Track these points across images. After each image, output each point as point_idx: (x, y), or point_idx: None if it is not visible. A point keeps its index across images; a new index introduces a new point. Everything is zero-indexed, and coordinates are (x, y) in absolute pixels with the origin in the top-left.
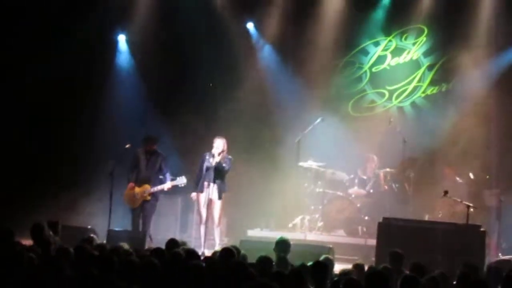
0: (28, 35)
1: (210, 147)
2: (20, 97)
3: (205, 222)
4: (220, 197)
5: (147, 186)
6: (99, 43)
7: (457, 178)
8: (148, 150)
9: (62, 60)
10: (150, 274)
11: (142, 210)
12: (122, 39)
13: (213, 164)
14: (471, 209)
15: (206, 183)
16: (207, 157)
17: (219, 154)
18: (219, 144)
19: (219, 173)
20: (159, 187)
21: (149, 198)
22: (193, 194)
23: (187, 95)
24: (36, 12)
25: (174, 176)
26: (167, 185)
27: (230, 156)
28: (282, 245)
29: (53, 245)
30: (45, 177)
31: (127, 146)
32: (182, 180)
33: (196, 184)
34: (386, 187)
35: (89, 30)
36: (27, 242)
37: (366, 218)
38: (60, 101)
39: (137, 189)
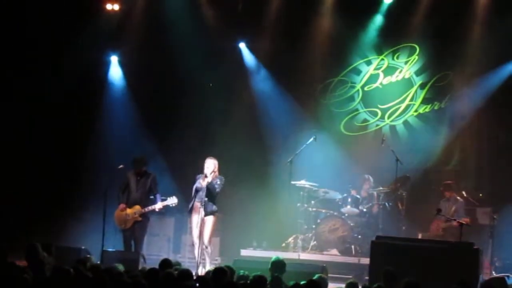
0: (21, 56)
1: (202, 167)
2: (11, 118)
3: (198, 242)
4: (206, 215)
5: (138, 207)
6: (91, 64)
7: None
8: (138, 172)
9: (54, 81)
10: None
11: (133, 231)
12: (114, 60)
13: (204, 184)
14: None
15: (197, 204)
16: (198, 179)
17: (210, 174)
18: (209, 165)
19: (209, 193)
20: (150, 208)
21: (140, 219)
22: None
23: (179, 115)
24: (29, 33)
25: (165, 196)
26: (158, 206)
27: (221, 176)
28: (278, 265)
29: (47, 266)
30: (37, 197)
31: (120, 167)
32: (173, 200)
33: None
34: (379, 206)
35: (82, 51)
36: (21, 263)
37: (359, 237)
38: (52, 122)
39: (128, 210)
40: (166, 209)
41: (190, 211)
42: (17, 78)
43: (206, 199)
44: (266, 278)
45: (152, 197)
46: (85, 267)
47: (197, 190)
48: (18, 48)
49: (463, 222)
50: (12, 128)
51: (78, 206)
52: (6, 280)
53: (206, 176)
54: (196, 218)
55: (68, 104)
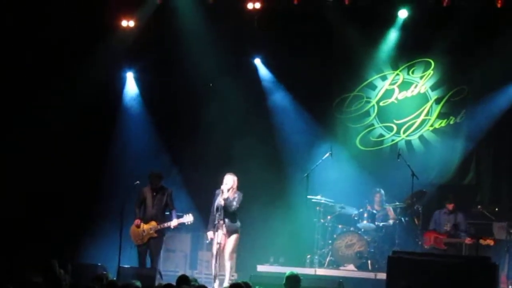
0: (37, 74)
1: (221, 182)
2: (26, 135)
3: (216, 259)
4: (230, 235)
5: (153, 223)
6: (108, 81)
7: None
8: (154, 187)
9: (70, 98)
10: None
11: (148, 247)
12: (130, 76)
13: (222, 201)
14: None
15: (218, 221)
16: (218, 195)
17: (228, 191)
18: (228, 180)
19: (227, 210)
20: (166, 225)
21: (155, 235)
22: (209, 233)
23: (196, 131)
24: (43, 50)
25: (182, 213)
26: (173, 223)
27: (240, 192)
28: (292, 280)
29: (64, 283)
30: (54, 214)
31: (136, 183)
32: (188, 218)
33: (212, 222)
34: (395, 221)
35: (98, 67)
36: (38, 280)
37: (376, 252)
38: (68, 139)
39: (144, 226)
40: (180, 226)
41: (211, 228)
42: (34, 95)
43: (227, 219)
44: None
45: (168, 213)
46: (101, 284)
47: (217, 208)
48: (34, 65)
49: (480, 238)
50: (29, 146)
51: (94, 223)
52: None
53: (222, 192)
54: (217, 234)
55: (84, 121)
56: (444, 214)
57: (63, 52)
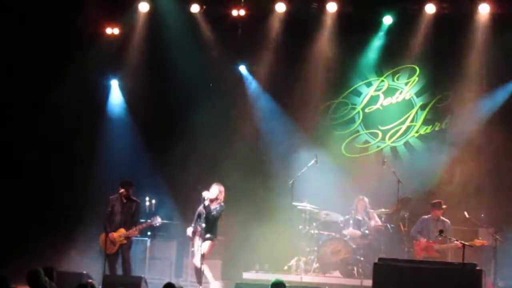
0: (22, 80)
1: (204, 188)
2: (10, 143)
3: (200, 266)
4: (204, 241)
5: (122, 230)
6: (92, 88)
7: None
8: (124, 195)
9: (54, 105)
10: None
11: (120, 254)
12: (114, 83)
13: (202, 209)
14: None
15: (198, 228)
16: (203, 200)
17: (212, 201)
18: (214, 191)
19: (207, 219)
20: (134, 229)
21: (125, 241)
22: (189, 229)
23: (180, 138)
24: (29, 56)
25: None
26: (140, 226)
27: (222, 204)
28: (278, 287)
29: None
30: (38, 221)
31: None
32: (156, 220)
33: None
34: (381, 227)
35: (82, 75)
36: None
37: (362, 259)
38: (51, 146)
39: (113, 234)
40: (149, 228)
41: (193, 234)
42: (17, 102)
43: (204, 225)
44: None
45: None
46: None
47: (199, 215)
48: (17, 72)
49: (466, 243)
50: (11, 153)
51: (78, 230)
52: None
53: (204, 200)
54: (197, 242)
55: (68, 128)
56: (433, 220)
57: (48, 60)
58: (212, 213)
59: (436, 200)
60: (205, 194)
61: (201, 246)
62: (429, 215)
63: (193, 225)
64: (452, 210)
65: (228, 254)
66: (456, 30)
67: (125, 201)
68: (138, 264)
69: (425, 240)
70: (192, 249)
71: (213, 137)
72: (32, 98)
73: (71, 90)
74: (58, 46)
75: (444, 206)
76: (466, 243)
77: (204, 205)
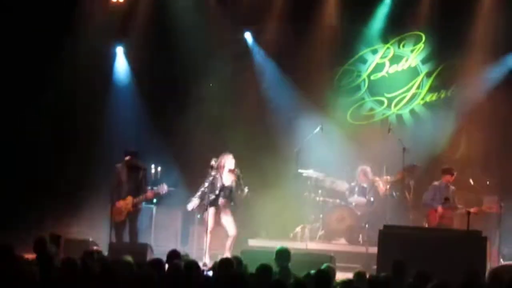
0: (26, 48)
1: (209, 158)
2: (18, 112)
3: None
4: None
5: (129, 198)
6: (97, 56)
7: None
8: (129, 164)
9: (59, 73)
10: (150, 286)
11: (128, 222)
12: (120, 51)
13: (232, 182)
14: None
15: (222, 199)
16: (217, 174)
17: (230, 171)
18: (232, 161)
19: (231, 191)
20: (141, 197)
21: (132, 209)
22: (195, 200)
23: (186, 107)
24: (32, 26)
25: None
26: (148, 194)
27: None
28: (282, 254)
29: (55, 258)
30: (44, 190)
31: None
32: (163, 188)
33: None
34: (386, 195)
35: (87, 42)
36: (30, 256)
37: (367, 226)
38: (58, 116)
39: (120, 203)
40: (156, 197)
41: (213, 204)
42: (21, 70)
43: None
44: (271, 267)
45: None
46: (93, 259)
47: (222, 186)
48: (22, 39)
49: (471, 210)
50: (18, 122)
51: (85, 198)
52: (14, 273)
53: (231, 172)
54: (214, 212)
55: (73, 96)
56: (445, 187)
57: (53, 27)
58: (232, 184)
59: (447, 166)
60: (228, 164)
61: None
62: (440, 182)
63: (212, 196)
64: (457, 177)
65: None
66: None
67: (131, 169)
68: (143, 232)
69: (441, 207)
70: (198, 216)
71: (219, 105)
72: (36, 66)
73: (76, 58)
74: (63, 13)
75: (454, 172)
76: (471, 210)
77: (235, 180)
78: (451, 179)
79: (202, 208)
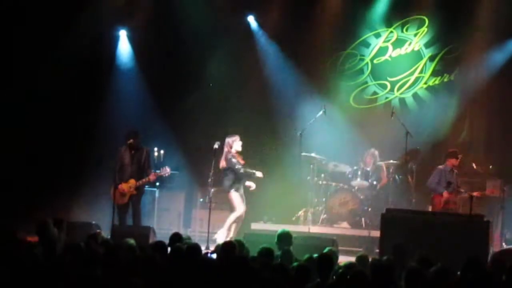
0: (28, 32)
1: (212, 142)
2: (22, 94)
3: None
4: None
5: (132, 181)
6: (100, 39)
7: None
8: (131, 146)
9: (62, 57)
10: (152, 269)
11: (130, 206)
12: (123, 34)
13: (240, 167)
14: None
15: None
16: (233, 158)
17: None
18: (239, 144)
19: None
20: (144, 180)
21: (135, 192)
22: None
23: (189, 91)
24: (35, 9)
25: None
26: (151, 177)
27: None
28: (284, 237)
29: (58, 242)
30: (47, 174)
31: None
32: (165, 171)
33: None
34: (389, 179)
35: (90, 25)
36: (33, 239)
37: (370, 210)
38: (61, 99)
39: (123, 185)
40: (159, 179)
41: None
42: (24, 52)
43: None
44: (273, 250)
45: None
46: (96, 242)
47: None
48: (27, 22)
49: (473, 194)
50: (20, 104)
51: (87, 181)
52: (17, 255)
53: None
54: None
55: (76, 79)
56: (450, 171)
57: (56, 10)
58: (238, 166)
59: (452, 149)
60: (236, 146)
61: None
62: (444, 165)
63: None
64: (460, 161)
65: None
66: None
67: (133, 152)
68: (146, 214)
69: (447, 192)
70: (201, 200)
71: (221, 88)
72: (39, 48)
73: (80, 41)
74: None
75: (460, 156)
76: (474, 194)
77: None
78: (456, 163)
79: (206, 192)
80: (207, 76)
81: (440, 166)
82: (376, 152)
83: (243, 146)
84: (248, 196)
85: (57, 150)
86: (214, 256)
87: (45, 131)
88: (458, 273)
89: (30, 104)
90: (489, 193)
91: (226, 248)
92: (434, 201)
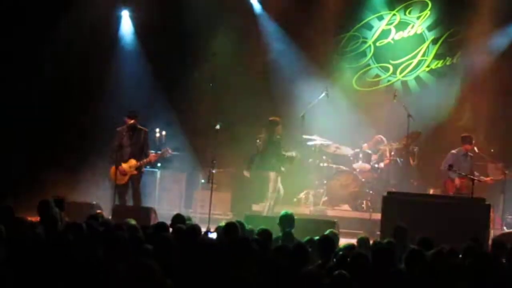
0: (32, 12)
1: (214, 120)
2: (23, 74)
3: None
4: None
5: (133, 161)
6: (102, 19)
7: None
8: (130, 126)
9: (65, 36)
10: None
11: (130, 185)
12: (125, 14)
13: None
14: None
15: None
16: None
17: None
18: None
19: None
20: (145, 160)
21: (135, 172)
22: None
23: (190, 70)
24: None
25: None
26: (152, 157)
27: None
28: (286, 219)
29: (59, 221)
30: (48, 153)
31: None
32: (167, 151)
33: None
34: (390, 161)
35: (92, 5)
36: (34, 219)
37: (371, 192)
38: (63, 79)
39: (124, 165)
40: (160, 160)
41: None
42: (25, 32)
43: None
44: (271, 231)
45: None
46: (97, 222)
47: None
48: (24, 3)
49: (475, 178)
50: (20, 84)
51: (88, 161)
52: (19, 234)
53: None
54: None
55: (78, 59)
56: (462, 155)
57: None
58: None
59: (466, 134)
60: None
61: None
62: (458, 150)
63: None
64: (460, 144)
65: (238, 186)
66: None
67: (133, 132)
68: (147, 195)
69: (458, 178)
70: (202, 181)
71: (224, 70)
72: (41, 28)
73: (82, 21)
74: None
75: (474, 141)
76: (476, 178)
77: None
78: (470, 147)
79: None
80: (210, 57)
81: (453, 151)
82: (384, 139)
83: (244, 128)
84: (250, 177)
85: (58, 130)
86: (214, 236)
87: (46, 111)
88: (460, 256)
89: (32, 84)
90: (501, 177)
91: (228, 229)
92: (446, 186)
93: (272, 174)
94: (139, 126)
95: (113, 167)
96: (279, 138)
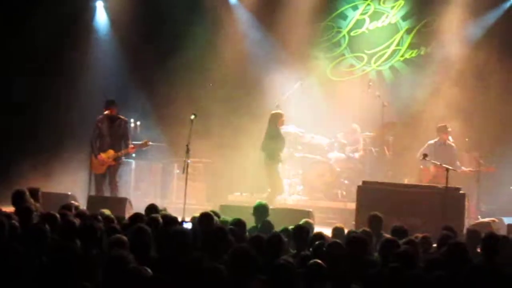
0: (5, 2)
1: (189, 112)
2: None
3: None
4: None
5: (111, 152)
6: (77, 9)
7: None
8: (109, 116)
9: (38, 27)
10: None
11: (108, 175)
12: (100, 5)
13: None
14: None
15: None
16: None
17: None
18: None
19: None
20: (123, 151)
21: (114, 163)
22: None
23: (165, 61)
24: None
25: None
26: (130, 149)
27: None
28: (261, 209)
29: (34, 212)
30: (22, 144)
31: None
32: (145, 144)
33: None
34: (365, 151)
35: None
36: (8, 209)
37: (346, 182)
38: (37, 69)
39: (102, 155)
40: (137, 151)
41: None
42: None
43: None
44: (245, 222)
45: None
46: (70, 212)
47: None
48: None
49: (449, 167)
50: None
51: (63, 151)
52: None
53: None
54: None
55: (53, 50)
56: (440, 145)
57: None
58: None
59: (442, 124)
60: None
61: None
62: (435, 140)
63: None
64: (436, 134)
65: (213, 176)
66: None
67: (112, 122)
68: (123, 185)
69: (434, 167)
70: (177, 171)
71: (199, 61)
72: (16, 17)
73: (57, 11)
74: None
75: (449, 129)
76: (450, 167)
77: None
78: (446, 137)
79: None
80: (185, 48)
81: (431, 141)
82: (358, 128)
83: (222, 118)
84: (225, 167)
85: (33, 120)
86: (189, 226)
87: (20, 102)
88: (434, 245)
89: (4, 75)
90: (485, 170)
91: (204, 219)
92: (422, 175)
93: (275, 165)
94: (119, 116)
95: (92, 157)
96: (279, 129)
